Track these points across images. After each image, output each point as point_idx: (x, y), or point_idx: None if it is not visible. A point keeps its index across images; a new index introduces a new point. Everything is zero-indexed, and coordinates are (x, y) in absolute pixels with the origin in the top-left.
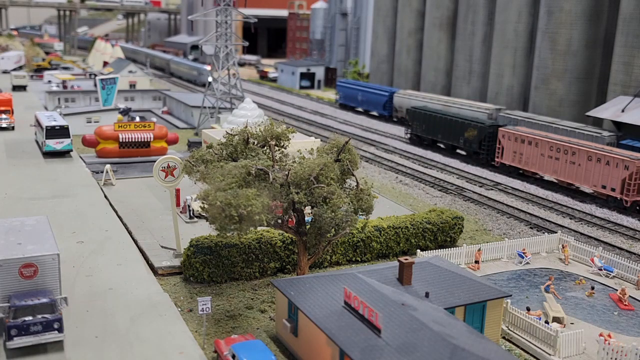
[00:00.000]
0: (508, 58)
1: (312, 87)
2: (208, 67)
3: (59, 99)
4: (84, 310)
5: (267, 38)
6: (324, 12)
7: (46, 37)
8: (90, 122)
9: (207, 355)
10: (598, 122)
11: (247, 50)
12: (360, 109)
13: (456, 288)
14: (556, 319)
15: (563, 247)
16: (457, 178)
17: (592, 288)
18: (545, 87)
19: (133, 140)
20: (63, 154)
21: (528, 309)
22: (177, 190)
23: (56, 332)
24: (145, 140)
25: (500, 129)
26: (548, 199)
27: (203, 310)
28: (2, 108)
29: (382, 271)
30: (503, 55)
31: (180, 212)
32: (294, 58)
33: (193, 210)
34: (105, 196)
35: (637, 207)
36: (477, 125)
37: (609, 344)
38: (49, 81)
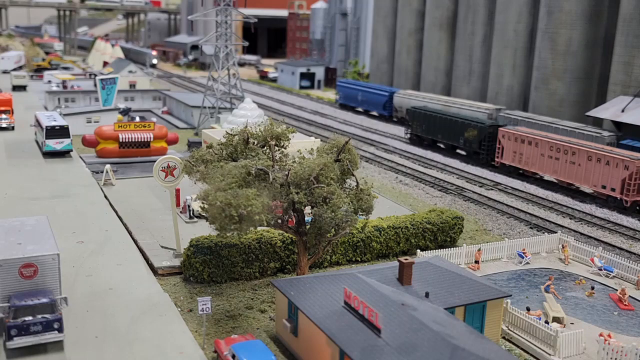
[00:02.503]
0: (508, 58)
1: (312, 87)
2: (154, 52)
3: (59, 99)
4: (84, 310)
5: (267, 38)
6: (324, 12)
7: (46, 37)
8: (90, 122)
9: (207, 355)
10: (598, 122)
11: (247, 50)
12: (360, 109)
13: (456, 288)
14: (556, 319)
15: (563, 247)
16: (457, 178)
17: (592, 288)
18: (545, 87)
19: (133, 140)
20: (63, 154)
21: (528, 309)
22: (177, 190)
23: (56, 332)
24: (145, 140)
25: (500, 129)
26: (548, 199)
27: (203, 310)
28: (2, 108)
29: (382, 271)
30: (503, 55)
31: (180, 212)
32: (294, 58)
33: (193, 210)
34: (105, 196)
35: (637, 207)
36: (477, 125)
37: (609, 344)
38: (49, 81)
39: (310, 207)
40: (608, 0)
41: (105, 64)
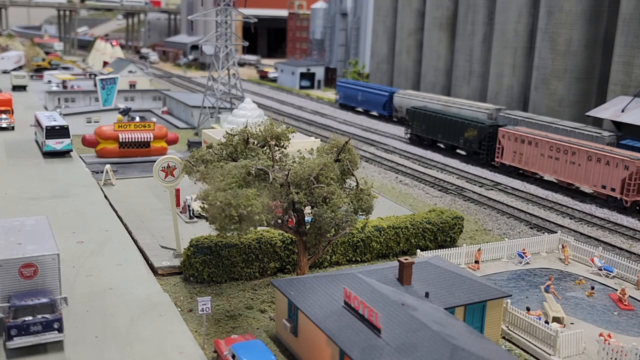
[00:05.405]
0: (508, 58)
1: (312, 87)
2: (115, 43)
3: (59, 99)
4: (84, 310)
5: (267, 38)
6: (324, 12)
7: (46, 37)
8: (90, 122)
9: (207, 355)
10: (598, 122)
11: (247, 50)
12: (360, 109)
13: (456, 288)
14: (556, 319)
15: (563, 247)
16: (457, 178)
17: (592, 288)
18: (545, 87)
19: (133, 140)
20: (63, 154)
21: (528, 309)
22: (177, 190)
23: (56, 332)
24: (145, 140)
25: (500, 129)
26: (548, 199)
27: (203, 310)
28: (2, 108)
29: (382, 271)
30: (503, 55)
31: (180, 212)
32: (294, 58)
33: (193, 210)
34: (105, 196)
35: (637, 207)
36: (477, 125)
37: (609, 344)
38: (49, 81)
39: (310, 207)
40: (608, 0)
41: (105, 64)
